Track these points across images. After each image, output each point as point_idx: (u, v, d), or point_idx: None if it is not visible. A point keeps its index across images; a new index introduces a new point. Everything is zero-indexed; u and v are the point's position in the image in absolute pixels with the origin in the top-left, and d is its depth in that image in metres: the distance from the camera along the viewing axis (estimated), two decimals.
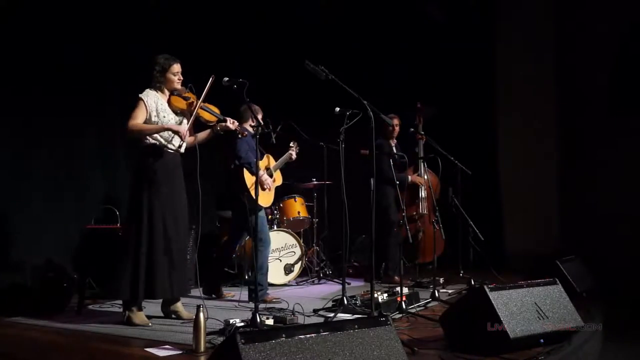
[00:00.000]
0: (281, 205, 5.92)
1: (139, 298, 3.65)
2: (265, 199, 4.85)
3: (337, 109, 4.13)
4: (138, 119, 3.65)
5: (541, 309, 3.06)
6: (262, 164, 4.81)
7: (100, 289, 4.64)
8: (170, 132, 3.72)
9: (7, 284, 4.50)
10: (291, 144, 4.98)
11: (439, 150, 5.49)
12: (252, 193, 4.50)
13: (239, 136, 3.82)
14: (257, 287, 4.36)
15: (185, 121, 3.81)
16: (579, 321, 3.19)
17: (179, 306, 3.85)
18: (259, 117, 4.61)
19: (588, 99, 6.62)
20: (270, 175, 4.87)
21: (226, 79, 3.68)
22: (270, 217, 5.82)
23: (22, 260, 4.67)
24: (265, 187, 4.74)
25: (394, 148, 5.69)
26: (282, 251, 5.56)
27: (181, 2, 5.85)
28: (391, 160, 4.89)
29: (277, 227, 5.72)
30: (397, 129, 5.72)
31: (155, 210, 3.64)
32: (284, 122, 4.92)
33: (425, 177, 5.85)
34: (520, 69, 6.99)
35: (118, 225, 4.78)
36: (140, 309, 3.73)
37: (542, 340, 2.99)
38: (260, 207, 4.57)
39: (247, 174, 4.62)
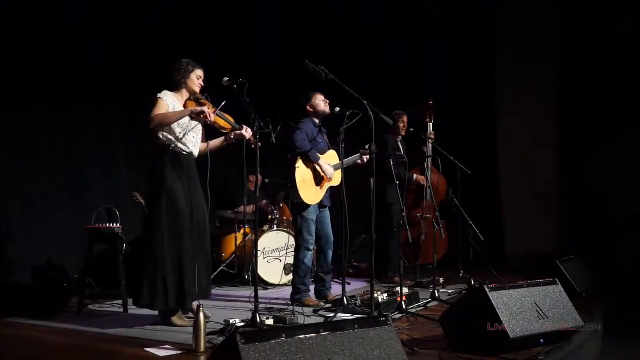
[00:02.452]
0: (281, 205, 5.92)
1: (170, 306, 3.58)
2: (314, 196, 4.44)
3: (337, 108, 4.13)
4: (159, 112, 3.61)
5: (541, 309, 3.06)
6: (324, 158, 4.48)
7: (100, 289, 4.64)
8: (183, 133, 3.67)
9: (7, 283, 4.50)
10: (367, 146, 4.45)
11: (439, 150, 5.49)
12: (300, 187, 4.32)
13: (252, 146, 3.72)
14: (300, 289, 4.38)
15: (199, 125, 3.77)
16: (579, 321, 3.19)
17: (194, 306, 3.80)
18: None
19: (588, 99, 6.62)
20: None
21: (226, 78, 3.67)
22: (270, 217, 5.82)
23: (22, 260, 4.66)
24: (323, 175, 4.41)
25: (399, 145, 5.69)
26: (282, 251, 5.56)
27: (181, 2, 5.85)
28: (391, 160, 4.89)
29: (277, 227, 5.72)
30: (405, 126, 5.71)
31: (172, 215, 3.57)
32: (283, 122, 4.91)
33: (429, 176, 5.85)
34: (521, 68, 7.00)
35: (118, 225, 4.78)
36: (174, 313, 3.68)
37: (542, 340, 2.99)
38: (306, 206, 4.39)
39: (300, 164, 4.38)
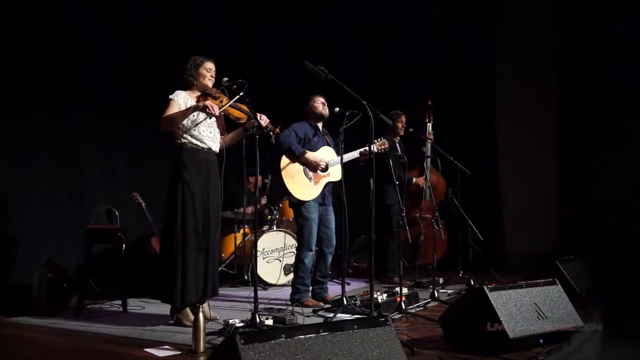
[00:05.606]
0: (280, 205, 5.92)
1: (184, 302, 3.61)
2: (305, 192, 4.36)
3: (337, 109, 4.13)
4: (168, 113, 3.63)
5: (541, 309, 3.06)
6: (317, 154, 4.42)
7: (99, 289, 4.65)
8: (201, 130, 3.69)
9: (7, 284, 4.51)
10: (376, 140, 4.40)
11: (439, 150, 5.49)
12: (288, 185, 4.26)
13: (271, 133, 3.67)
14: (300, 289, 4.37)
15: (213, 120, 3.75)
16: (578, 321, 3.19)
17: (205, 306, 3.82)
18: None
19: (588, 98, 6.61)
20: (325, 170, 4.45)
21: (225, 79, 3.67)
22: (269, 217, 5.82)
23: (22, 260, 4.67)
24: (318, 168, 4.36)
25: (397, 145, 5.69)
26: (281, 251, 5.56)
27: (181, 1, 5.85)
28: (391, 160, 4.88)
29: (277, 227, 5.72)
30: (404, 126, 5.70)
31: (188, 211, 3.61)
32: (283, 122, 4.90)
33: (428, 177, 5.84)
34: (520, 68, 6.99)
35: (118, 225, 4.78)
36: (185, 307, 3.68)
37: (541, 341, 2.98)
38: (302, 202, 4.31)
39: (284, 161, 4.32)
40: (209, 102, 3.52)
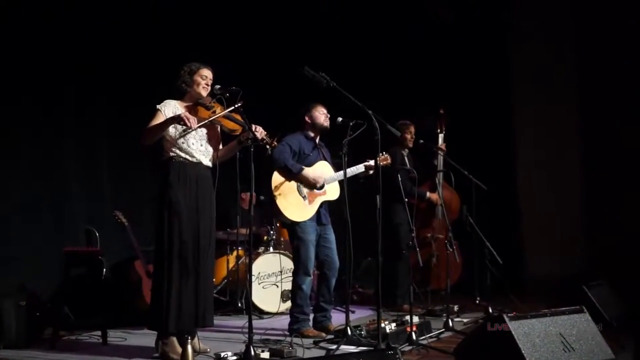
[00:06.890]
0: (278, 225, 5.90)
1: (170, 329, 3.57)
2: (299, 212, 4.36)
3: (339, 119, 4.13)
4: (151, 125, 3.63)
5: (567, 340, 3.04)
6: (317, 171, 4.44)
7: (77, 319, 4.60)
8: (190, 143, 3.68)
9: None
10: (380, 154, 4.19)
11: (452, 163, 5.48)
12: (281, 206, 4.27)
13: (267, 146, 3.70)
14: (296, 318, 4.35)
15: (202, 131, 3.74)
16: (609, 354, 3.16)
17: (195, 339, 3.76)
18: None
19: (614, 106, 6.60)
20: (321, 188, 4.45)
21: (217, 86, 3.68)
22: (266, 238, 5.79)
23: None
24: (313, 182, 4.37)
25: (406, 158, 5.68)
26: (279, 276, 5.52)
27: (176, 4, 5.88)
28: (399, 175, 4.87)
29: (274, 249, 5.69)
30: (412, 137, 5.69)
31: (175, 232, 3.59)
32: (280, 134, 4.90)
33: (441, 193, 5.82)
34: (540, 75, 7.00)
35: (98, 247, 4.75)
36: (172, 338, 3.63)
37: None
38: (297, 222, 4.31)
39: (277, 180, 4.33)
40: (185, 113, 3.52)
